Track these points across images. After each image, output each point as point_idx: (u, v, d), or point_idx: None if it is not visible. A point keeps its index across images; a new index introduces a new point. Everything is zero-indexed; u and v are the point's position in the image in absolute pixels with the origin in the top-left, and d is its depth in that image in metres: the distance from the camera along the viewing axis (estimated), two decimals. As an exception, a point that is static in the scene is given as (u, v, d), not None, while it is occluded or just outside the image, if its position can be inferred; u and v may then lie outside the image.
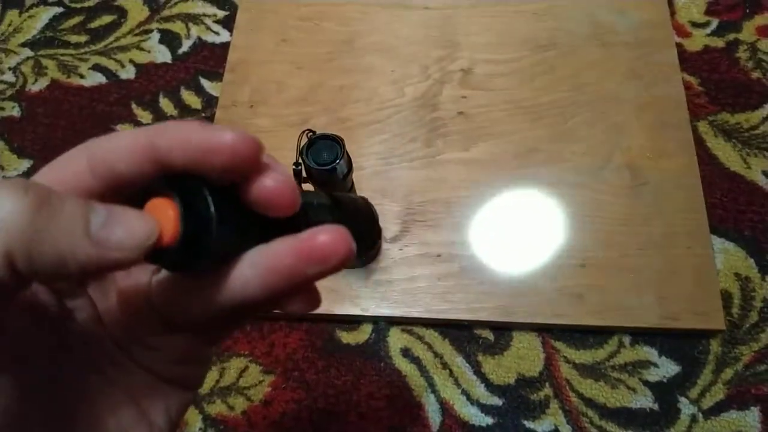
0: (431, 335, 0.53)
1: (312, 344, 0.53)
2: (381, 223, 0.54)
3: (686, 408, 0.49)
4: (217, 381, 0.52)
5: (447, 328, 0.53)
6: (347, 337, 0.53)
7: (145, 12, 0.70)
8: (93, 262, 0.14)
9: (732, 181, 0.57)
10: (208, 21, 0.69)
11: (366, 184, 0.56)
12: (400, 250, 0.54)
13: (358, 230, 0.21)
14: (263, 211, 0.16)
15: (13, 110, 0.65)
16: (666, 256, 0.52)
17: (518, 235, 0.54)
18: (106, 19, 0.70)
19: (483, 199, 0.56)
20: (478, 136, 0.59)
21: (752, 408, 0.49)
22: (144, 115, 0.64)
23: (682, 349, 0.51)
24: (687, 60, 0.63)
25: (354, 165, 0.41)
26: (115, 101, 0.65)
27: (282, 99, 0.62)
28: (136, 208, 0.16)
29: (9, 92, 0.66)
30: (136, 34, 0.69)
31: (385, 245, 0.54)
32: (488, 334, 0.52)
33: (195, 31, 0.69)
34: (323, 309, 0.52)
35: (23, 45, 0.69)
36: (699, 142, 0.58)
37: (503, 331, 0.53)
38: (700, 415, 0.49)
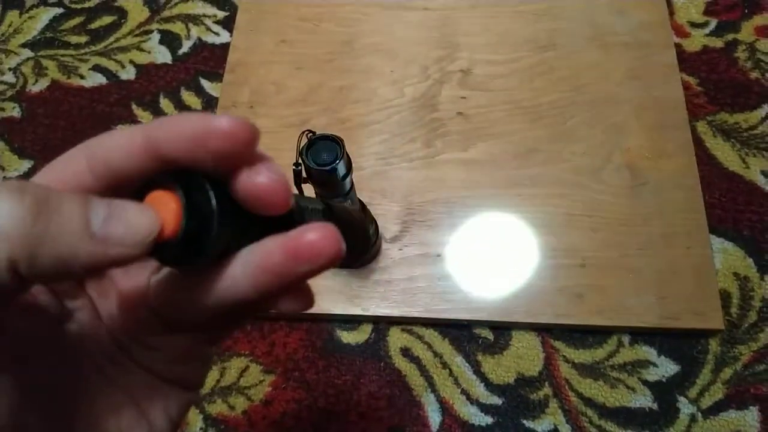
0: (431, 335, 0.53)
1: (312, 344, 0.53)
2: (380, 224, 0.54)
3: (685, 407, 0.49)
4: (218, 381, 0.52)
5: (447, 327, 0.53)
6: (347, 337, 0.53)
7: (146, 13, 0.70)
8: (96, 260, 0.14)
9: (731, 181, 0.57)
10: (208, 22, 0.69)
11: (366, 184, 0.57)
12: (400, 250, 0.54)
13: (349, 239, 0.22)
14: (255, 209, 0.16)
15: (14, 111, 0.65)
16: (665, 256, 0.52)
17: (518, 235, 0.54)
18: (107, 19, 0.70)
19: (482, 200, 0.56)
20: (478, 136, 0.59)
21: (751, 407, 0.49)
22: (144, 116, 0.64)
23: (681, 348, 0.51)
24: (686, 60, 0.63)
25: (354, 165, 0.42)
26: (116, 102, 0.65)
27: (282, 99, 0.62)
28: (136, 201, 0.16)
29: (9, 93, 0.66)
30: (137, 35, 0.69)
31: (384, 245, 0.54)
32: (488, 334, 0.53)
33: (195, 31, 0.69)
34: (323, 309, 0.52)
35: (23, 46, 0.69)
36: (698, 142, 0.59)
37: (503, 330, 0.53)
38: (699, 414, 0.49)
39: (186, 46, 0.68)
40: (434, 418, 0.50)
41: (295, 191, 0.41)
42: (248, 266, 0.17)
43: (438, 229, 0.55)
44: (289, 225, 0.17)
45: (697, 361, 0.51)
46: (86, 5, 0.71)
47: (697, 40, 0.64)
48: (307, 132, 0.40)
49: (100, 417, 0.19)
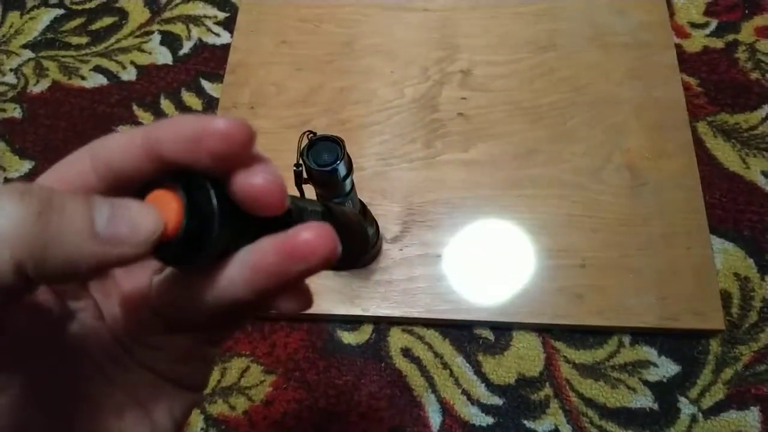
0: (431, 335, 0.53)
1: (313, 344, 0.53)
2: (381, 224, 0.54)
3: (686, 408, 0.49)
4: (219, 381, 0.52)
5: (447, 328, 0.53)
6: (348, 337, 0.53)
7: (146, 14, 0.70)
8: (101, 260, 0.14)
9: (731, 182, 0.57)
10: (209, 22, 0.69)
11: (366, 185, 0.57)
12: (401, 250, 0.54)
13: (347, 242, 0.22)
14: (251, 209, 0.16)
15: (15, 111, 0.65)
16: (665, 256, 0.53)
17: (518, 235, 0.54)
18: (107, 20, 0.70)
19: (483, 200, 0.56)
20: (478, 137, 0.59)
21: (752, 408, 0.49)
22: (145, 117, 0.64)
23: (681, 349, 0.51)
24: (686, 61, 0.63)
25: (354, 166, 0.42)
26: (116, 102, 0.65)
27: (282, 100, 0.62)
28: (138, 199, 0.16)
29: (10, 94, 0.66)
30: (137, 36, 0.69)
31: (385, 246, 0.54)
32: (488, 334, 0.53)
33: (196, 32, 0.69)
34: (324, 309, 0.52)
35: (24, 46, 0.69)
36: (698, 142, 0.59)
37: (503, 331, 0.53)
38: (700, 414, 0.49)
39: (187, 47, 0.68)
40: (435, 418, 0.50)
41: (295, 192, 0.41)
42: (244, 266, 0.17)
43: (438, 230, 0.55)
44: (287, 226, 0.17)
45: (697, 361, 0.51)
46: (87, 6, 0.71)
47: (697, 41, 0.64)
48: (307, 133, 0.40)
49: (102, 417, 0.19)
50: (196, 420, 0.51)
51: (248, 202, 0.16)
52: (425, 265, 0.54)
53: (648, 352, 0.51)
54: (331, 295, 0.53)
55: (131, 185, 0.17)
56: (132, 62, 0.67)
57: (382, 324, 0.53)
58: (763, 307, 0.52)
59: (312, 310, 0.52)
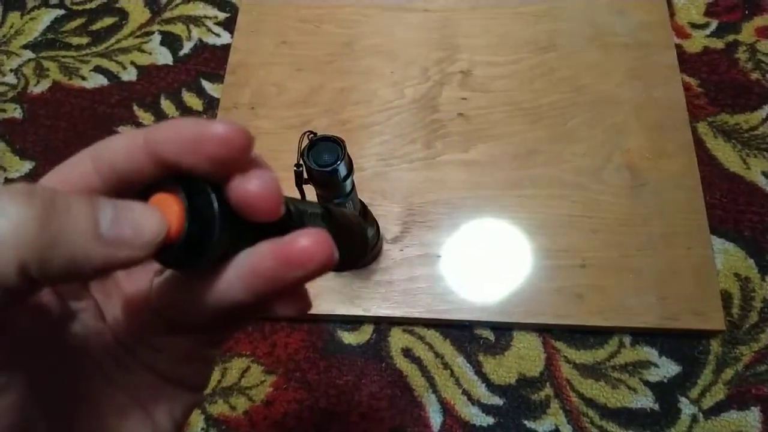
0: (432, 335, 0.53)
1: (313, 344, 0.53)
2: (381, 225, 0.54)
3: (687, 408, 0.49)
4: (219, 381, 0.52)
5: (448, 328, 0.53)
6: (348, 338, 0.53)
7: (146, 14, 0.70)
8: (105, 262, 0.14)
9: (732, 182, 0.57)
10: (209, 23, 0.69)
11: (366, 185, 0.57)
12: (401, 250, 0.54)
13: (347, 244, 0.22)
14: (247, 215, 0.16)
15: (15, 112, 0.66)
16: (666, 256, 0.53)
17: (518, 235, 0.54)
18: (108, 21, 0.70)
19: (483, 200, 0.56)
20: (478, 137, 0.59)
21: (752, 408, 0.49)
22: (145, 117, 0.64)
23: (682, 349, 0.51)
24: (686, 61, 0.63)
25: (354, 166, 0.42)
26: (117, 103, 0.65)
27: (282, 101, 0.62)
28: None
29: (11, 94, 0.67)
30: (138, 36, 0.69)
31: (385, 246, 0.55)
32: (489, 334, 0.53)
33: (196, 33, 0.69)
34: (325, 309, 0.52)
35: (25, 47, 0.69)
36: (698, 142, 0.59)
37: (504, 331, 0.53)
38: (701, 415, 0.49)
39: (187, 48, 0.68)
40: (435, 418, 0.50)
41: (295, 193, 0.41)
42: (242, 270, 0.17)
43: (439, 230, 0.55)
44: (287, 229, 0.17)
45: (698, 361, 0.51)
46: (87, 7, 0.71)
47: (697, 41, 0.64)
48: (308, 133, 0.40)
49: (103, 418, 0.19)
50: (197, 420, 0.51)
51: (243, 207, 0.16)
52: (426, 265, 0.54)
53: (648, 353, 0.51)
54: (331, 295, 0.53)
55: (133, 187, 0.17)
56: (132, 62, 0.67)
57: (383, 324, 0.53)
58: (764, 307, 0.52)
59: (313, 311, 0.52)
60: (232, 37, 0.67)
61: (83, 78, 0.67)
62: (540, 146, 0.58)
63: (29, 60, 0.68)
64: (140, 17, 0.70)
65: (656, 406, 0.49)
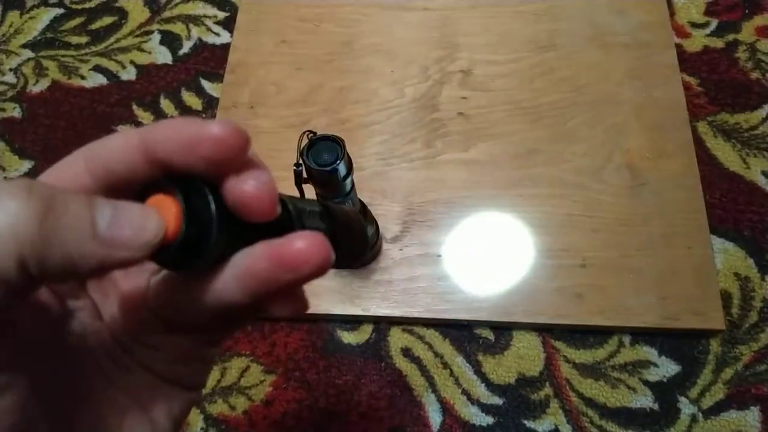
0: (432, 335, 0.53)
1: (313, 344, 0.53)
2: (381, 224, 0.54)
3: (686, 408, 0.49)
4: (219, 381, 0.52)
5: (447, 327, 0.53)
6: (348, 337, 0.53)
7: (146, 13, 0.70)
8: (102, 262, 0.14)
9: (731, 182, 0.57)
10: (209, 22, 0.69)
11: (366, 184, 0.57)
12: (401, 250, 0.54)
13: (346, 241, 0.21)
14: (242, 215, 0.16)
15: (14, 111, 0.65)
16: (666, 256, 0.52)
17: (518, 235, 0.54)
18: (107, 20, 0.70)
19: (483, 200, 0.56)
20: (478, 136, 0.59)
21: (752, 408, 0.49)
22: (145, 116, 0.64)
23: (682, 349, 0.51)
24: (686, 60, 0.63)
25: (354, 166, 0.42)
26: (116, 102, 0.65)
27: (282, 100, 0.62)
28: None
29: (10, 93, 0.66)
30: (137, 36, 0.69)
31: (385, 245, 0.54)
32: (488, 334, 0.53)
33: (195, 32, 0.69)
34: (324, 309, 0.52)
35: (24, 46, 0.69)
36: (698, 142, 0.59)
37: (503, 330, 0.53)
38: (700, 414, 0.49)
39: (186, 47, 0.68)
40: (435, 418, 0.50)
41: (295, 192, 0.41)
42: (238, 270, 0.17)
43: (438, 230, 0.55)
44: (286, 228, 0.17)
45: (697, 361, 0.51)
46: (87, 6, 0.71)
47: (697, 41, 0.64)
48: (307, 132, 0.40)
49: (103, 417, 0.19)
50: (196, 420, 0.51)
51: (239, 207, 0.16)
52: (425, 264, 0.53)
53: (648, 352, 0.51)
54: (331, 294, 0.53)
55: (127, 187, 0.17)
56: (132, 62, 0.67)
57: (382, 324, 0.53)
58: (764, 307, 0.52)
59: (312, 310, 0.53)
60: (231, 37, 0.67)
61: (82, 77, 0.67)
62: (540, 146, 0.58)
63: (28, 59, 0.68)
64: (140, 16, 0.70)
65: (656, 406, 0.49)
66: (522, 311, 0.51)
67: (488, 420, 0.50)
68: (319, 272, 0.16)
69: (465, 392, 0.51)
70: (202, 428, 0.50)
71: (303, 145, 0.40)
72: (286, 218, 0.18)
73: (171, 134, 0.16)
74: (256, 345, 0.53)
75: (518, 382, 0.51)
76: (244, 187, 0.16)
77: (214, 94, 0.65)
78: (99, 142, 0.17)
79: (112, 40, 0.69)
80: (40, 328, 0.18)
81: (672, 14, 0.65)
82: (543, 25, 0.64)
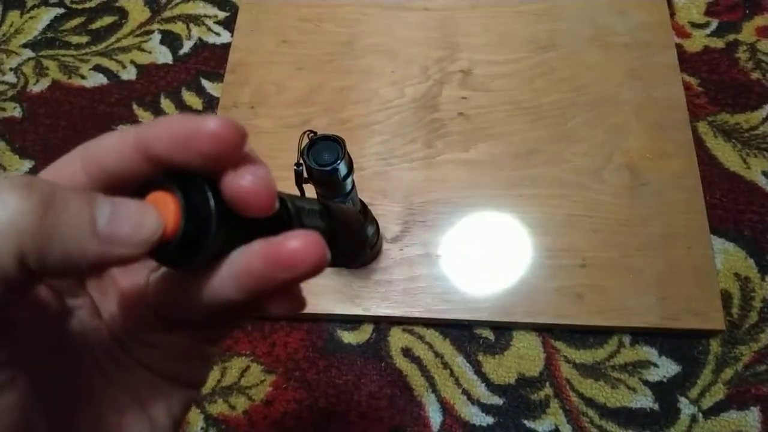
0: (432, 335, 0.53)
1: (313, 344, 0.53)
2: (381, 224, 0.54)
3: (686, 408, 0.49)
4: (219, 381, 0.52)
5: (447, 327, 0.53)
6: (348, 337, 0.53)
7: (146, 13, 0.70)
8: (101, 258, 0.14)
9: (732, 182, 0.57)
10: (209, 22, 0.69)
11: (366, 184, 0.57)
12: (401, 250, 0.54)
13: (345, 240, 0.21)
14: (241, 211, 0.16)
15: (15, 111, 0.65)
16: (666, 256, 0.52)
17: (518, 235, 0.54)
18: (107, 20, 0.70)
19: (483, 200, 0.56)
20: (478, 137, 0.59)
21: (752, 408, 0.49)
22: (145, 116, 0.64)
23: (682, 349, 0.51)
24: (687, 61, 0.63)
25: (354, 166, 0.42)
26: (117, 102, 0.65)
27: (282, 100, 0.62)
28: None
29: (10, 93, 0.66)
30: (137, 35, 0.69)
31: (385, 245, 0.54)
32: (489, 334, 0.53)
33: (196, 32, 0.69)
34: (324, 309, 0.52)
35: (24, 46, 0.69)
36: (699, 142, 0.59)
37: (503, 330, 0.53)
38: (700, 415, 0.49)
39: (187, 47, 0.68)
40: (435, 418, 0.50)
41: (295, 192, 0.41)
42: (234, 268, 0.17)
43: (439, 230, 0.55)
44: (284, 226, 0.17)
45: (698, 361, 0.51)
46: (87, 5, 0.71)
47: (698, 41, 0.64)
48: (308, 132, 0.40)
49: (102, 415, 0.19)
50: (196, 419, 0.51)
51: (236, 203, 0.16)
52: (426, 264, 0.53)
53: (648, 352, 0.51)
54: (331, 294, 0.53)
55: (124, 186, 0.17)
56: (132, 61, 0.67)
57: (383, 324, 0.53)
58: (764, 307, 0.52)
59: (312, 310, 0.53)
60: (232, 36, 0.67)
61: (83, 77, 0.67)
62: (540, 146, 0.58)
63: (29, 59, 0.68)
64: (140, 16, 0.70)
65: (656, 406, 0.49)
66: (522, 311, 0.51)
67: (488, 420, 0.50)
68: (314, 271, 0.16)
69: (465, 392, 0.51)
70: (202, 428, 0.50)
71: (303, 144, 0.40)
72: (285, 216, 0.18)
73: (167, 131, 0.16)
74: (257, 345, 0.53)
75: (518, 382, 0.51)
76: (241, 182, 0.16)
77: (215, 93, 0.65)
78: (95, 141, 0.17)
79: (112, 39, 0.69)
80: (39, 325, 0.18)
81: (672, 14, 0.65)
82: (543, 25, 0.64)
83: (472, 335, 0.53)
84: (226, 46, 0.67)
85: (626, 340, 0.52)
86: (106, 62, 0.68)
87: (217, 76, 0.65)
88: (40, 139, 0.64)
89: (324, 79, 0.63)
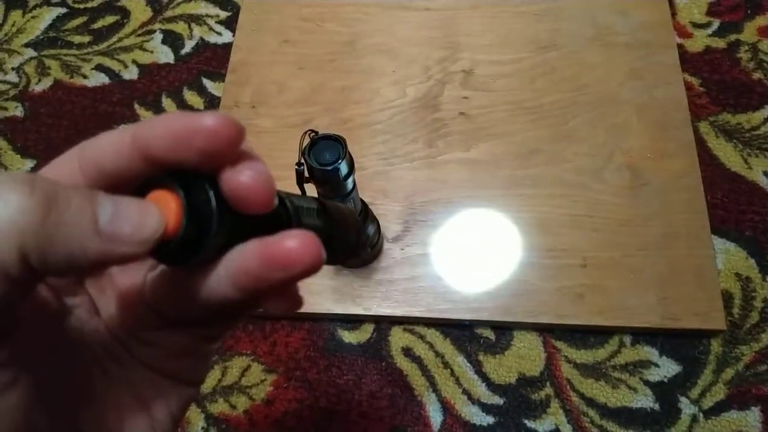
0: (432, 335, 0.53)
1: (314, 343, 0.53)
2: (382, 223, 0.54)
3: (687, 408, 0.49)
4: (219, 380, 0.52)
5: (448, 327, 0.53)
6: (349, 337, 0.53)
7: (148, 13, 0.70)
8: (102, 257, 0.14)
9: (733, 182, 0.57)
10: (211, 22, 0.69)
11: (367, 184, 0.57)
12: (402, 249, 0.54)
13: (342, 239, 0.21)
14: (239, 207, 0.16)
15: (17, 110, 0.66)
16: (667, 256, 0.52)
17: (519, 234, 0.54)
18: (109, 19, 0.70)
19: (484, 200, 0.56)
20: (480, 136, 0.59)
21: (753, 408, 0.49)
22: (147, 116, 0.64)
23: (682, 349, 0.51)
24: (688, 60, 0.63)
25: (356, 165, 0.42)
26: (118, 101, 0.65)
27: (284, 99, 0.62)
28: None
29: (12, 92, 0.67)
30: (139, 35, 0.69)
31: (386, 245, 0.55)
32: (489, 334, 0.53)
33: (197, 31, 0.69)
34: (325, 308, 0.52)
35: (26, 45, 0.69)
36: (700, 142, 0.58)
37: (504, 330, 0.53)
38: (701, 415, 0.49)
39: (188, 46, 0.68)
40: (436, 417, 0.50)
41: (296, 191, 0.41)
42: (230, 267, 0.17)
43: (440, 229, 0.55)
44: (283, 224, 0.17)
45: (698, 361, 0.51)
46: (89, 5, 0.71)
47: (699, 41, 0.64)
48: (309, 132, 0.40)
49: (102, 413, 0.19)
50: (197, 419, 0.51)
51: (235, 199, 0.16)
52: (426, 264, 0.54)
53: (649, 352, 0.51)
54: (332, 294, 0.53)
55: (122, 184, 0.17)
56: (134, 61, 0.68)
57: (383, 323, 0.53)
58: (765, 307, 0.52)
59: (313, 309, 0.53)
60: (233, 36, 0.67)
61: (85, 76, 0.67)
62: (541, 145, 0.58)
63: (31, 58, 0.68)
64: (142, 16, 0.70)
65: (656, 406, 0.49)
66: (523, 311, 0.51)
67: (489, 420, 0.50)
68: (310, 272, 0.16)
69: (466, 392, 0.51)
70: (203, 428, 0.51)
71: (305, 144, 0.40)
72: (284, 214, 0.18)
73: (164, 129, 0.16)
74: (257, 344, 0.53)
75: (519, 381, 0.51)
76: (240, 178, 0.16)
77: (216, 93, 0.65)
78: (92, 140, 0.17)
79: (114, 39, 0.69)
80: (40, 325, 0.18)
81: (674, 14, 0.65)
82: (544, 25, 0.64)
83: (472, 335, 0.53)
84: (227, 46, 0.67)
85: (627, 340, 0.52)
86: (107, 62, 0.68)
87: (219, 76, 0.65)
88: (42, 139, 0.64)
89: (325, 78, 0.63)
